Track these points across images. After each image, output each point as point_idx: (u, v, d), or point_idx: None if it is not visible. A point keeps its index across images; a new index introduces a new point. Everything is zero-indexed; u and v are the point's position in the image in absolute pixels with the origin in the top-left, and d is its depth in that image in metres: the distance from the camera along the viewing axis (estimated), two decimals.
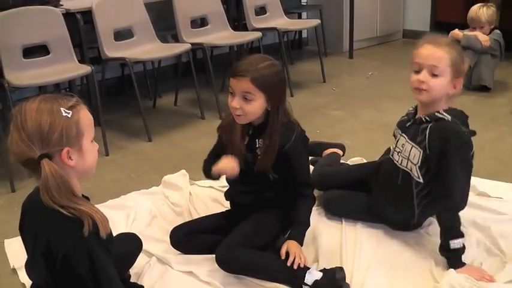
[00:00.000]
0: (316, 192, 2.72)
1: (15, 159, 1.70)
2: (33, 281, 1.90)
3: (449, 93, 2.45)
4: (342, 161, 3.33)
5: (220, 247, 2.39)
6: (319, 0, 6.90)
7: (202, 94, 4.79)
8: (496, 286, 2.28)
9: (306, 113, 4.64)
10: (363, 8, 6.74)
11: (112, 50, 4.34)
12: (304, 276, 2.31)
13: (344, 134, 4.16)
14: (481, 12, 4.65)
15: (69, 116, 1.69)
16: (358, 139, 4.02)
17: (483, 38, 4.60)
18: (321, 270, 2.35)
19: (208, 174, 2.51)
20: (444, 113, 2.42)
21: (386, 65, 6.27)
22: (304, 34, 7.30)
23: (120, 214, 2.98)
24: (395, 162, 2.59)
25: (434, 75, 2.40)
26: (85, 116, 1.77)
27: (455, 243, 2.34)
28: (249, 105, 2.31)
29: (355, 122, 4.44)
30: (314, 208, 2.66)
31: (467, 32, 4.72)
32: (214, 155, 2.54)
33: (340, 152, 3.36)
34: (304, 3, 7.11)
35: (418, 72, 2.44)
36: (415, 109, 2.58)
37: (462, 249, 2.36)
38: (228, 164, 2.39)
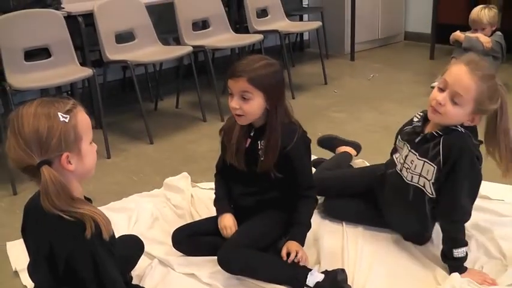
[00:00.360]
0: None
1: (13, 166, 1.70)
2: (36, 283, 1.90)
3: (464, 124, 2.35)
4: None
5: (223, 248, 2.39)
6: (321, 2, 6.91)
7: (204, 96, 4.79)
8: None
9: (307, 115, 4.63)
10: (364, 10, 6.74)
11: (113, 52, 4.34)
12: (306, 278, 2.31)
13: (346, 136, 4.14)
14: (482, 13, 4.64)
15: (66, 120, 1.69)
16: (359, 141, 3.99)
17: (485, 39, 4.59)
18: (322, 272, 2.35)
19: (216, 201, 2.62)
20: (457, 125, 2.35)
21: (388, 67, 6.27)
22: (306, 36, 7.30)
23: (122, 216, 2.98)
24: (404, 178, 2.50)
25: (454, 103, 2.28)
26: (83, 119, 1.76)
27: (458, 252, 2.33)
28: (247, 104, 2.32)
29: (356, 124, 4.44)
30: (315, 210, 2.66)
31: (469, 34, 4.71)
32: (223, 162, 2.61)
33: (353, 152, 3.32)
34: (306, 6, 7.11)
35: (442, 90, 2.31)
36: (423, 119, 2.49)
37: (465, 257, 2.35)
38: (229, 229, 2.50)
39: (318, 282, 2.30)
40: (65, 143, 1.68)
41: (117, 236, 2.23)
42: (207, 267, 2.48)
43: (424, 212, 2.48)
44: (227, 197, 2.62)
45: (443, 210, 2.38)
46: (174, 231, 2.61)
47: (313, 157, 3.14)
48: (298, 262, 2.36)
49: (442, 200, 2.38)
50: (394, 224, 2.69)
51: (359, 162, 3.38)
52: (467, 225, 2.38)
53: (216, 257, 2.39)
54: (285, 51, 5.37)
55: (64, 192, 1.66)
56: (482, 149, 2.40)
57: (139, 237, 2.49)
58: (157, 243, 2.71)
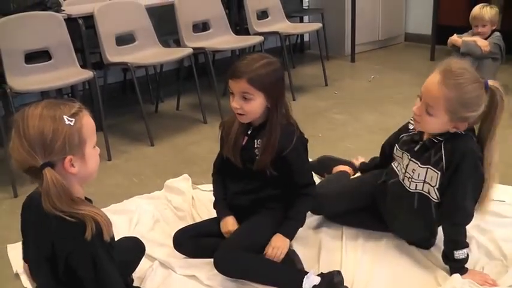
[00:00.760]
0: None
1: (16, 166, 1.70)
2: (38, 285, 1.90)
3: (451, 131, 2.30)
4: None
5: (218, 251, 2.39)
6: (321, 4, 6.92)
7: (205, 98, 4.79)
8: None
9: (308, 117, 4.64)
10: (364, 11, 6.75)
11: (114, 54, 4.34)
12: (302, 281, 2.30)
13: (346, 137, 4.16)
14: (484, 10, 4.62)
15: (71, 124, 1.68)
16: (360, 143, 4.02)
17: (482, 43, 4.56)
18: (318, 275, 2.34)
19: (216, 204, 2.64)
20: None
21: (389, 68, 6.27)
22: (306, 38, 7.31)
23: (123, 218, 2.98)
24: (407, 188, 2.47)
25: (429, 113, 2.25)
26: (88, 123, 1.76)
27: (459, 254, 2.32)
28: (248, 104, 2.34)
29: (357, 125, 4.44)
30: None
31: (465, 38, 4.67)
32: (221, 158, 2.61)
33: (350, 171, 3.20)
34: (306, 7, 7.12)
35: (420, 99, 2.30)
36: None
37: (466, 259, 2.34)
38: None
39: (314, 286, 2.29)
40: (69, 146, 1.68)
41: (117, 238, 2.23)
42: (207, 269, 2.47)
43: (431, 217, 2.45)
44: (226, 200, 2.63)
45: (446, 213, 2.37)
46: (176, 232, 2.61)
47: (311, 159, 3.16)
48: (297, 270, 2.38)
49: (445, 203, 2.36)
50: (398, 231, 2.68)
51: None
52: (467, 226, 2.37)
53: None
54: (285, 53, 5.37)
55: (65, 194, 1.66)
56: None
57: (140, 239, 2.49)
58: (158, 245, 2.71)
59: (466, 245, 2.34)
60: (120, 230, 2.76)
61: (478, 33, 4.68)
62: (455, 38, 4.77)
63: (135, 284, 2.39)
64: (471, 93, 2.19)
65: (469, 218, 2.34)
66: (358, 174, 3.09)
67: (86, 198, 1.83)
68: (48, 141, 1.64)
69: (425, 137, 2.42)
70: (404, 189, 2.49)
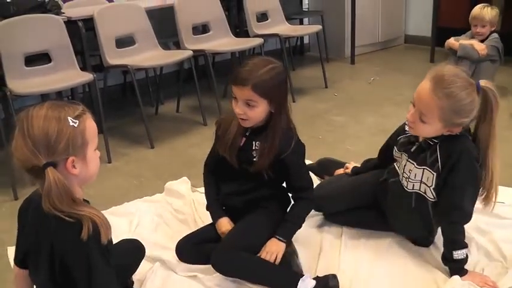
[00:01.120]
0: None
1: (18, 165, 1.70)
2: (37, 285, 1.90)
3: (445, 134, 2.33)
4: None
5: (215, 251, 2.40)
6: (321, 6, 6.92)
7: (204, 100, 4.80)
8: None
9: (308, 119, 4.65)
10: (364, 13, 6.75)
11: (114, 57, 4.35)
12: (297, 284, 2.30)
13: (346, 139, 4.16)
14: (485, 11, 4.61)
15: (75, 125, 1.70)
16: (360, 144, 4.02)
17: (480, 47, 4.54)
18: (314, 278, 2.34)
19: (209, 206, 2.63)
20: None
21: (388, 70, 6.28)
22: (306, 40, 7.31)
23: (123, 220, 2.98)
24: (405, 188, 2.49)
25: (422, 120, 2.26)
26: (90, 125, 1.77)
27: (458, 254, 2.32)
28: (252, 111, 2.33)
29: (357, 127, 4.44)
30: (314, 214, 2.66)
31: (463, 41, 4.66)
32: (214, 158, 2.60)
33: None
34: (306, 9, 7.12)
35: (414, 105, 2.31)
36: None
37: (465, 260, 2.34)
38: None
39: None
40: (72, 147, 1.69)
41: (117, 240, 2.24)
42: (209, 270, 2.47)
43: (428, 216, 2.47)
44: (219, 201, 2.63)
45: (443, 212, 2.37)
46: (179, 242, 2.59)
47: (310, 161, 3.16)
48: (293, 273, 2.38)
49: (441, 202, 2.37)
50: (398, 228, 2.69)
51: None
52: (467, 227, 2.37)
53: None
54: (285, 55, 5.37)
55: (67, 194, 1.67)
56: None
57: (141, 241, 2.48)
58: (159, 247, 2.70)
59: (465, 245, 2.34)
60: (120, 232, 2.76)
61: (477, 34, 4.67)
62: (452, 41, 4.76)
63: (135, 286, 2.40)
64: (463, 101, 2.19)
65: (466, 218, 2.34)
66: None
67: (84, 200, 1.83)
68: (52, 142, 1.65)
69: (421, 139, 2.42)
70: (402, 189, 2.50)
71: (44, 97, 4.35)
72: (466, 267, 2.35)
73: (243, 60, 5.40)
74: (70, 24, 4.18)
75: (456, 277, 2.30)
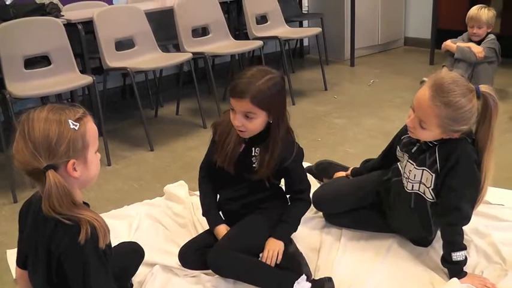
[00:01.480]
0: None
1: (19, 168, 1.71)
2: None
3: (445, 138, 2.32)
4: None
5: (212, 250, 2.40)
6: (320, 9, 6.92)
7: (204, 103, 4.80)
8: None
9: (307, 121, 4.65)
10: (364, 15, 6.76)
11: (113, 60, 4.35)
12: (293, 286, 2.31)
13: (346, 142, 4.16)
14: (482, 12, 4.60)
15: (76, 128, 1.70)
16: (359, 147, 4.02)
17: (477, 49, 4.52)
18: (309, 281, 2.35)
19: (206, 213, 2.62)
20: None
21: (388, 72, 6.27)
22: (306, 42, 7.31)
23: (123, 223, 2.98)
24: (405, 188, 2.51)
25: (422, 127, 2.27)
26: (91, 128, 1.78)
27: (457, 256, 2.32)
28: (251, 123, 2.31)
29: (356, 129, 4.44)
30: (313, 216, 2.66)
31: (460, 44, 4.64)
32: (210, 163, 2.58)
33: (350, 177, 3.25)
34: (305, 12, 7.12)
35: (413, 111, 2.31)
36: None
37: (464, 261, 2.34)
38: None
39: None
40: (73, 150, 1.70)
41: (117, 243, 2.24)
42: (210, 271, 2.47)
43: (427, 217, 2.48)
44: (216, 207, 2.62)
45: (441, 213, 2.38)
46: (181, 249, 2.58)
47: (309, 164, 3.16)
48: (288, 276, 2.38)
49: (440, 203, 2.38)
50: (397, 228, 2.70)
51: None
52: (466, 230, 2.38)
53: None
54: (284, 58, 5.37)
55: (67, 197, 1.68)
56: None
57: (140, 244, 2.48)
58: (159, 251, 2.70)
59: (464, 247, 2.34)
60: (119, 235, 2.76)
61: (474, 34, 4.64)
62: (449, 44, 4.74)
63: None
64: (462, 109, 2.19)
65: (465, 220, 2.34)
66: None
67: (84, 202, 1.83)
68: (53, 144, 1.66)
69: (421, 140, 2.43)
70: (403, 189, 2.52)
71: (43, 100, 4.35)
72: (465, 269, 2.35)
73: (242, 63, 5.43)
74: (69, 26, 4.18)
75: (454, 279, 2.30)
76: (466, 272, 2.34)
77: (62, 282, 1.73)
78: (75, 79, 3.99)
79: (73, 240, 1.66)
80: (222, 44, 5.06)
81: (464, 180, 2.30)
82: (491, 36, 4.64)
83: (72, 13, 4.59)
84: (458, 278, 2.31)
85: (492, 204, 2.90)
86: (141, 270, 2.46)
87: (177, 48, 5.00)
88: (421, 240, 2.64)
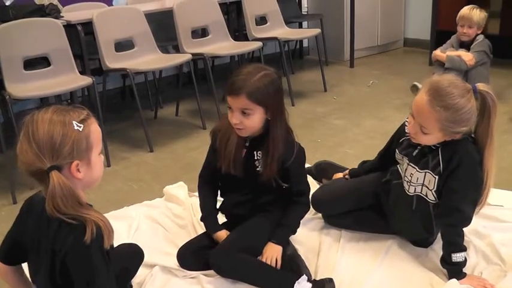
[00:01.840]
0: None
1: (23, 168, 1.72)
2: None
3: (447, 140, 2.32)
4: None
5: (214, 251, 2.41)
6: (320, 10, 6.92)
7: (204, 104, 4.80)
8: None
9: (307, 122, 4.65)
10: (363, 16, 6.76)
11: (113, 61, 4.35)
12: (293, 286, 2.31)
13: (345, 142, 4.16)
14: (474, 12, 4.56)
15: (80, 129, 1.71)
16: (359, 148, 4.02)
17: (467, 57, 4.45)
18: (310, 281, 2.35)
19: (205, 218, 2.62)
20: None
21: (388, 73, 6.28)
22: (305, 43, 7.31)
23: (122, 224, 2.98)
24: (406, 191, 2.51)
25: (423, 132, 2.27)
26: (95, 130, 1.79)
27: (457, 257, 2.32)
28: (248, 119, 2.31)
29: (356, 130, 4.44)
30: (313, 218, 2.66)
31: (450, 52, 4.57)
32: (211, 170, 2.58)
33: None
34: (305, 13, 7.12)
35: (413, 117, 2.31)
36: None
37: (464, 263, 2.34)
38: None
39: None
40: (77, 151, 1.70)
41: (117, 244, 2.23)
42: (210, 272, 2.48)
43: (429, 218, 2.48)
44: (216, 212, 2.63)
45: (442, 213, 2.38)
46: (179, 250, 2.59)
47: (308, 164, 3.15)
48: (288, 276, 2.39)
49: (442, 204, 2.37)
50: (398, 229, 2.70)
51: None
52: (465, 230, 2.37)
53: None
54: (284, 59, 5.37)
55: (72, 197, 1.69)
56: None
57: (140, 245, 2.49)
58: (158, 251, 2.70)
59: (464, 248, 2.34)
60: (119, 236, 2.74)
61: (463, 34, 4.58)
62: (439, 54, 4.65)
63: None
64: (461, 111, 2.20)
65: (466, 221, 2.34)
66: None
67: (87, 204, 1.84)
68: (57, 145, 1.67)
69: (422, 144, 2.42)
70: (404, 192, 2.51)
71: (43, 101, 4.35)
72: (464, 270, 2.35)
73: (242, 64, 5.41)
74: (69, 28, 4.19)
75: (453, 280, 2.30)
76: (465, 273, 2.34)
77: (66, 282, 1.73)
78: (74, 80, 3.99)
79: (78, 239, 1.66)
80: (222, 45, 5.06)
81: (466, 181, 2.30)
82: (480, 38, 4.58)
83: (72, 14, 4.60)
84: (458, 279, 2.31)
85: (491, 205, 2.90)
86: (141, 271, 2.46)
87: (177, 49, 5.00)
88: (422, 241, 2.64)
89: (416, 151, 2.43)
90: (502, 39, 4.80)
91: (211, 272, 2.46)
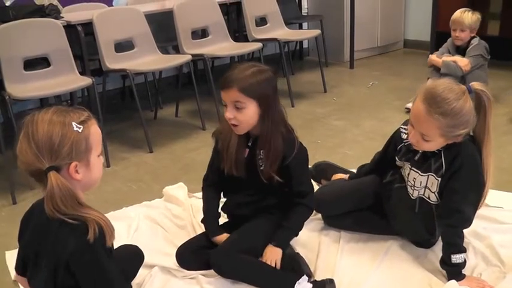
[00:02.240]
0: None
1: (22, 168, 1.72)
2: None
3: (449, 143, 2.32)
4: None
5: (215, 251, 2.41)
6: (320, 11, 6.92)
7: (203, 105, 4.80)
8: None
9: (307, 123, 4.65)
10: (363, 18, 6.76)
11: (113, 61, 4.35)
12: (293, 287, 2.31)
13: (345, 144, 4.16)
14: (465, 15, 4.55)
15: (79, 130, 1.72)
16: (359, 149, 4.02)
17: (463, 63, 4.47)
18: (310, 282, 2.35)
19: (206, 220, 2.62)
20: None
21: (387, 75, 6.28)
22: (305, 44, 7.31)
23: (122, 225, 2.98)
24: (411, 195, 2.50)
25: (425, 140, 2.27)
26: (95, 132, 1.79)
27: (456, 258, 2.32)
28: (241, 113, 2.31)
29: (356, 131, 4.44)
30: (312, 219, 2.66)
31: (446, 58, 4.59)
32: (215, 172, 2.58)
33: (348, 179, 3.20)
34: (305, 14, 7.12)
35: (413, 127, 2.30)
36: None
37: (463, 264, 2.34)
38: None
39: None
40: (76, 152, 1.71)
41: (116, 245, 2.23)
42: (209, 272, 2.48)
43: (432, 219, 2.48)
44: (217, 215, 2.62)
45: (443, 214, 2.37)
46: (178, 249, 2.59)
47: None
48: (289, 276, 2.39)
49: (443, 204, 2.38)
50: (399, 230, 2.70)
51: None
52: (465, 232, 2.37)
53: None
54: (284, 60, 5.37)
55: (71, 197, 1.69)
56: None
57: (139, 246, 2.49)
58: (158, 252, 2.70)
59: (464, 250, 2.34)
60: (118, 236, 2.74)
61: (456, 38, 4.58)
62: (434, 59, 4.68)
63: None
64: (460, 114, 2.19)
65: (466, 222, 2.34)
66: None
67: None
68: (56, 146, 1.67)
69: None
70: (408, 196, 2.51)
71: (43, 101, 4.35)
72: (463, 271, 2.35)
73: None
74: (69, 28, 4.19)
75: (453, 282, 2.30)
76: (464, 275, 2.34)
77: (68, 285, 1.73)
78: (74, 81, 3.99)
79: (82, 239, 1.66)
80: (222, 46, 5.07)
81: (467, 182, 2.30)
82: (475, 41, 4.57)
83: (72, 14, 4.60)
84: (457, 280, 2.31)
85: (491, 207, 2.90)
86: (140, 272, 2.46)
87: (177, 50, 5.00)
88: (424, 242, 2.64)
89: (418, 155, 2.43)
90: (501, 41, 4.79)
91: (211, 272, 2.46)
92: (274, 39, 5.37)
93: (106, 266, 1.74)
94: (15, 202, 3.41)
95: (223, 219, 2.70)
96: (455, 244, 2.34)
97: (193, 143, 4.39)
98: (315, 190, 2.79)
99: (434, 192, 2.40)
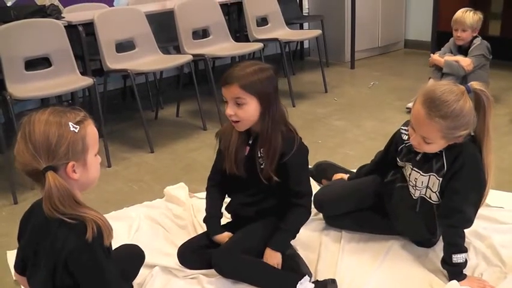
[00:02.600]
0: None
1: (19, 169, 1.73)
2: None
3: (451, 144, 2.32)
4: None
5: (216, 251, 2.42)
6: (321, 11, 6.92)
7: (204, 105, 4.80)
8: None
9: (308, 124, 4.65)
10: (364, 18, 6.76)
11: (114, 61, 4.35)
12: (295, 286, 2.31)
13: (346, 144, 4.16)
14: (466, 15, 4.54)
15: (76, 130, 1.72)
16: (360, 149, 4.02)
17: (465, 63, 4.47)
18: (313, 282, 2.35)
19: (208, 220, 2.61)
20: None
21: (388, 75, 6.28)
22: (306, 45, 7.32)
23: (122, 225, 2.98)
24: (412, 195, 2.50)
25: (426, 142, 2.27)
26: (91, 132, 1.80)
27: (457, 258, 2.32)
28: (242, 110, 2.32)
29: (357, 132, 4.44)
30: (313, 219, 2.65)
31: (448, 57, 4.61)
32: (218, 172, 2.59)
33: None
34: (306, 14, 7.12)
35: (414, 130, 2.31)
36: None
37: (464, 264, 2.34)
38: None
39: None
40: (72, 152, 1.71)
41: (117, 244, 2.24)
42: (211, 272, 2.48)
43: (433, 219, 2.48)
44: (220, 215, 2.62)
45: (443, 214, 2.38)
46: (179, 248, 2.59)
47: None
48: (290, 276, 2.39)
49: (443, 204, 2.37)
50: (401, 230, 2.70)
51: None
52: (466, 232, 2.37)
53: None
54: (285, 60, 5.38)
55: (69, 197, 1.69)
56: None
57: (140, 246, 2.49)
58: (159, 252, 2.71)
59: (465, 250, 2.34)
60: (119, 237, 2.75)
61: (458, 38, 4.58)
62: (437, 58, 4.69)
63: None
64: (460, 115, 2.19)
65: (467, 223, 2.35)
66: None
67: None
68: (53, 146, 1.68)
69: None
70: (409, 196, 2.51)
71: (44, 101, 4.35)
72: (464, 271, 2.35)
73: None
74: (70, 28, 4.19)
75: (454, 282, 2.30)
76: (465, 275, 2.34)
77: (66, 285, 1.74)
78: (75, 81, 3.99)
79: (80, 239, 1.67)
80: (223, 46, 5.07)
81: (468, 182, 2.30)
82: (477, 41, 4.58)
83: (73, 15, 4.60)
84: (458, 280, 2.30)
85: (492, 207, 2.91)
86: (141, 272, 2.46)
87: (178, 50, 5.00)
88: (425, 241, 2.64)
89: (420, 156, 2.43)
90: (503, 41, 4.78)
91: (212, 271, 2.46)
92: (275, 40, 5.37)
93: (104, 266, 1.74)
94: (16, 202, 3.41)
95: (225, 219, 2.69)
96: (456, 244, 2.34)
97: (194, 143, 4.39)
98: (317, 190, 2.80)
99: (435, 192, 2.40)
